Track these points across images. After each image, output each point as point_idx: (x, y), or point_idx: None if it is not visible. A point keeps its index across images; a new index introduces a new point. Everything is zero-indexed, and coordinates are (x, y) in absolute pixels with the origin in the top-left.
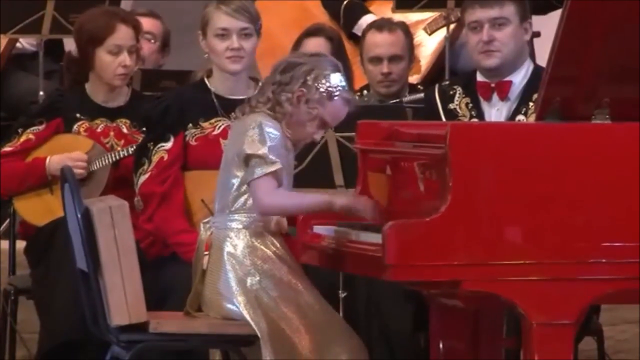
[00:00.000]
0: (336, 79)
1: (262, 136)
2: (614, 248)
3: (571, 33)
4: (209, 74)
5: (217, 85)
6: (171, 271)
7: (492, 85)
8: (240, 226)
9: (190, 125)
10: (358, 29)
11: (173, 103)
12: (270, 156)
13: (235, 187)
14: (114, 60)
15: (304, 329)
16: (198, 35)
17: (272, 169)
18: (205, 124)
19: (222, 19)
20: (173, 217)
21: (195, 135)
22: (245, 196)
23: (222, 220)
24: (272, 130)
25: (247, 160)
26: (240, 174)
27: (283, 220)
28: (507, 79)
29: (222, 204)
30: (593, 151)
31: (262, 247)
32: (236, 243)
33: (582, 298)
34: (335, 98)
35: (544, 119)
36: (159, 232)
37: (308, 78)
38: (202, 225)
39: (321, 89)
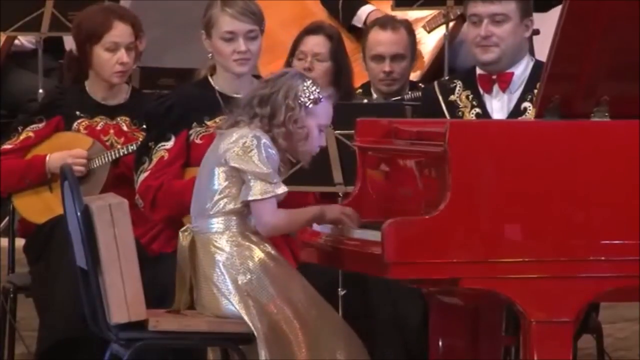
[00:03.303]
0: (310, 85)
1: (261, 155)
2: (613, 246)
3: (570, 31)
4: (212, 72)
5: (221, 83)
6: (172, 267)
7: (494, 77)
8: (221, 228)
9: (195, 124)
10: (357, 20)
11: (176, 102)
12: (275, 179)
13: (218, 191)
14: (112, 58)
15: (299, 327)
16: (201, 35)
17: (278, 192)
18: (210, 123)
19: (228, 22)
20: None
21: (200, 133)
22: (226, 200)
23: (202, 225)
24: (271, 149)
25: (243, 175)
26: (226, 180)
27: (258, 228)
28: (508, 71)
29: (200, 209)
30: (592, 149)
31: (249, 246)
32: (223, 245)
33: (582, 296)
34: (322, 100)
35: (543, 117)
36: (167, 195)
37: (288, 101)
38: (180, 233)
39: (306, 103)
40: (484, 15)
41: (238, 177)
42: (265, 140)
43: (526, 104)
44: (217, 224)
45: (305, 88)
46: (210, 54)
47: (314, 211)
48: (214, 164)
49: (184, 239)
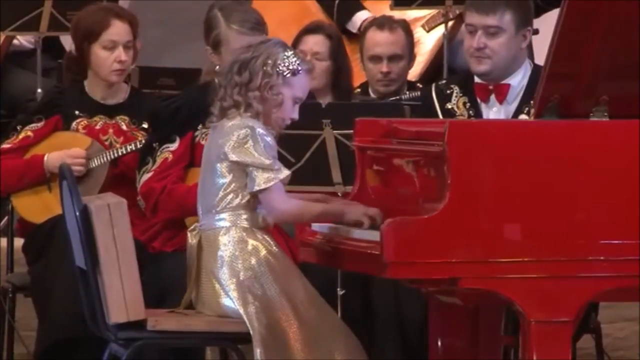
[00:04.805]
0: (291, 55)
1: (257, 145)
2: (613, 246)
3: (569, 30)
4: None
5: None
6: (172, 267)
7: (490, 87)
8: (228, 224)
9: (201, 125)
10: (352, 26)
11: (183, 105)
12: (276, 165)
13: (222, 187)
14: (110, 56)
15: (298, 327)
16: (207, 50)
17: (281, 176)
18: None
19: (238, 39)
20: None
21: (206, 134)
22: (231, 195)
23: (209, 222)
24: (267, 137)
25: (245, 168)
26: (229, 175)
27: (269, 216)
28: (505, 82)
29: (206, 206)
30: (592, 148)
31: (253, 243)
32: (227, 241)
33: (581, 296)
34: (300, 72)
35: (543, 117)
36: (169, 199)
37: (266, 68)
38: (188, 233)
39: (284, 72)
40: (479, 26)
41: (240, 170)
42: (259, 129)
43: (523, 116)
44: (224, 220)
45: (285, 57)
46: (218, 67)
47: (333, 209)
48: (215, 161)
49: (192, 238)
